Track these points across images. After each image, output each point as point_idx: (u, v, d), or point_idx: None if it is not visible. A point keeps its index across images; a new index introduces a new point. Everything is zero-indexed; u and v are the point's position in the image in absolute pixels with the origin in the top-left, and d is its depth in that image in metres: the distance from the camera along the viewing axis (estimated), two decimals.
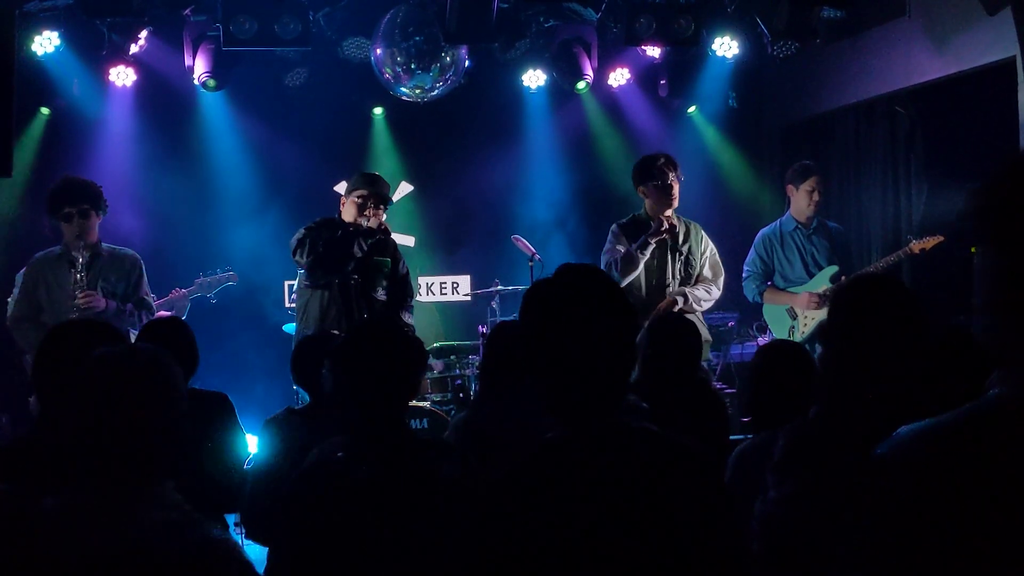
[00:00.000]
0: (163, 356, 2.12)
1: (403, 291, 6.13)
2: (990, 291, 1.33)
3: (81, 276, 5.57)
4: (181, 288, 6.94)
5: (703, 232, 6.31)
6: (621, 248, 6.06)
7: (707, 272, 6.22)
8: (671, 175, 6.05)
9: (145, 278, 5.89)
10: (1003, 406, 1.29)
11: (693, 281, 6.17)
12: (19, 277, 6.20)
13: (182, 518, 2.01)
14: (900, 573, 1.27)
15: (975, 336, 2.66)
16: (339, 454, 2.75)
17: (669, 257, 6.13)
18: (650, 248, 6.00)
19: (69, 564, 1.90)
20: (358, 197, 5.91)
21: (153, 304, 5.95)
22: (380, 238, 5.94)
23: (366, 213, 5.87)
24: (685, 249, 6.16)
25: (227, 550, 2.02)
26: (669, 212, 6.07)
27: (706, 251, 6.26)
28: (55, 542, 1.92)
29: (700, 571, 1.85)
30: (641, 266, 6.01)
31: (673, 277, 6.11)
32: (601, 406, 1.93)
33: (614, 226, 6.22)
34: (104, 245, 5.82)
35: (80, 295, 5.54)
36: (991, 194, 1.34)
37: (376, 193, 5.93)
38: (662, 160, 6.10)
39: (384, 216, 5.96)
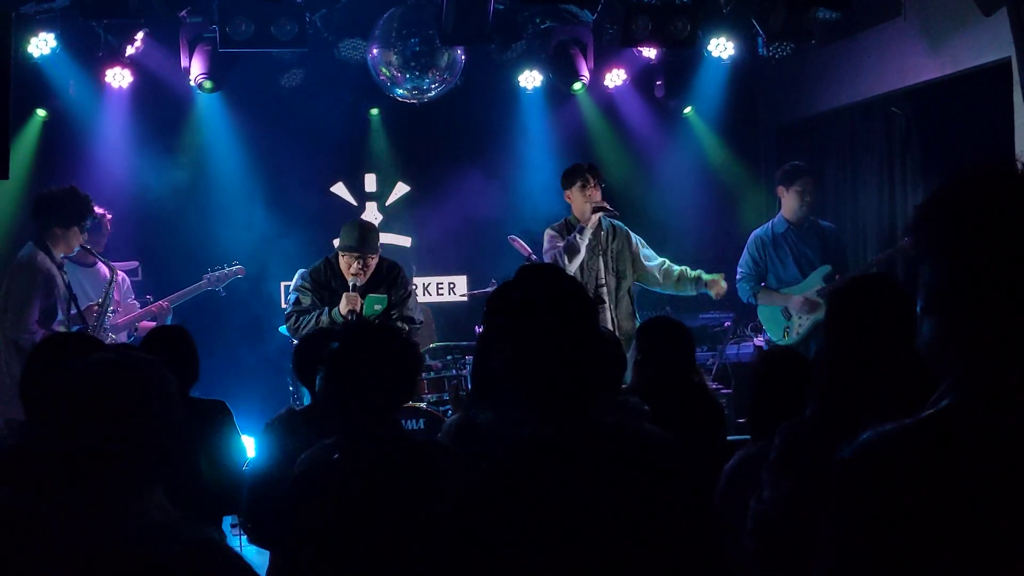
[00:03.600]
0: (154, 364, 2.12)
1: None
2: (933, 301, 1.38)
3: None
4: (161, 301, 6.68)
5: (630, 233, 6.59)
6: (560, 242, 6.34)
7: (647, 251, 6.54)
8: (592, 180, 6.37)
9: None
10: (953, 415, 1.34)
11: (633, 276, 6.49)
12: (22, 283, 6.15)
13: (177, 520, 2.01)
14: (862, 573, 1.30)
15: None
16: (335, 456, 2.76)
17: (600, 260, 6.40)
18: (588, 232, 6.27)
19: (61, 567, 1.89)
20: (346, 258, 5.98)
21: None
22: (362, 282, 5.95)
23: (353, 272, 5.94)
24: (614, 248, 6.46)
25: (224, 551, 2.02)
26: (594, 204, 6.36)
27: (635, 246, 6.53)
28: (45, 546, 1.91)
29: (674, 562, 1.87)
30: (583, 250, 6.25)
31: (607, 275, 6.42)
32: (571, 403, 1.95)
33: (548, 229, 6.53)
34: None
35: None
36: (937, 207, 1.39)
37: (358, 255, 5.95)
38: (586, 166, 6.49)
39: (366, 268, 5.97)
